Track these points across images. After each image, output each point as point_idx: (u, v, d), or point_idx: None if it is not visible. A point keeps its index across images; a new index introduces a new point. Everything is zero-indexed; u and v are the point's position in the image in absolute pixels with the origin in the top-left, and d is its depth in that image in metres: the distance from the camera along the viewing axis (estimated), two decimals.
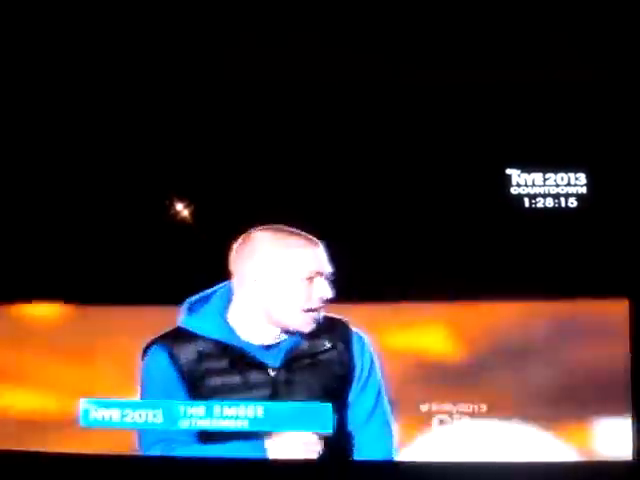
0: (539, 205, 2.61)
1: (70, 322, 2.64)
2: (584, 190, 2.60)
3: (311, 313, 2.39)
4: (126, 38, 2.72)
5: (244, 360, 2.38)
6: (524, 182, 2.62)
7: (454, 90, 2.64)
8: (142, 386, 2.44)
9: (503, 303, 2.55)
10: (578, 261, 2.56)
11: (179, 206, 2.67)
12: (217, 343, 2.39)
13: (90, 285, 2.65)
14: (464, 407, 2.53)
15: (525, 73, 2.64)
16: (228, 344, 2.39)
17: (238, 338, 2.40)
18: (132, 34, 2.72)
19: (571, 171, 2.61)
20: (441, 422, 2.54)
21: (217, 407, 2.41)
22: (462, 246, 2.59)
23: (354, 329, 2.44)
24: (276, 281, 2.39)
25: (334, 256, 2.42)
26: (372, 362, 2.44)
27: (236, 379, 2.39)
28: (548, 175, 2.61)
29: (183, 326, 2.42)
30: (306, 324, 2.40)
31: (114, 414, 2.47)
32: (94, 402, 2.49)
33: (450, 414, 2.54)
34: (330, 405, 2.39)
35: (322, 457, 2.39)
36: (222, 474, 2.44)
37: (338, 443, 2.40)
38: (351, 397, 2.41)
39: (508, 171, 2.62)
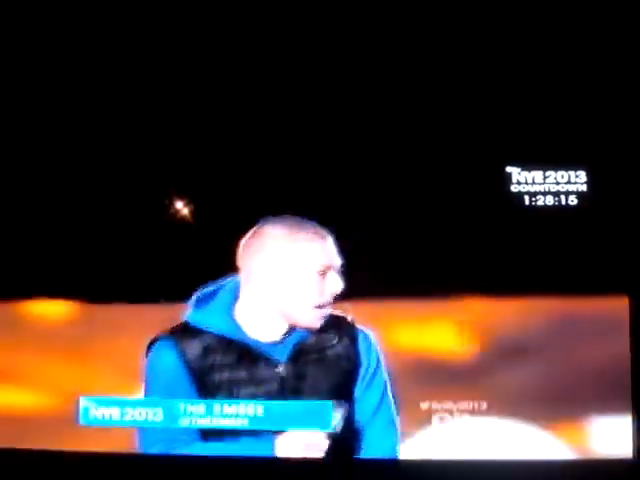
0: (539, 203, 2.61)
1: (70, 319, 2.63)
2: (584, 188, 2.60)
3: (322, 309, 2.39)
4: (125, 35, 2.71)
5: (251, 355, 2.37)
6: (524, 180, 2.61)
7: (454, 88, 2.64)
8: (147, 381, 2.42)
9: (503, 301, 2.54)
10: (578, 259, 2.56)
11: (180, 204, 2.67)
12: (223, 338, 2.38)
13: (90, 282, 2.65)
14: (464, 405, 2.53)
15: (525, 70, 2.64)
16: (234, 339, 2.38)
17: (244, 334, 2.39)
18: (131, 31, 2.71)
19: (571, 169, 2.60)
20: (441, 420, 2.54)
21: (217, 405, 2.40)
22: (462, 244, 2.59)
23: (360, 327, 2.44)
24: (288, 276, 2.37)
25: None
26: (378, 360, 2.44)
27: (243, 374, 2.38)
28: (548, 173, 2.61)
29: (190, 321, 2.41)
30: (317, 320, 2.39)
31: (114, 412, 2.47)
32: (94, 400, 2.49)
33: (450, 412, 2.54)
34: (331, 404, 2.39)
35: (327, 456, 2.38)
36: (225, 473, 2.44)
37: (344, 440, 2.40)
38: (357, 393, 2.41)
39: (508, 169, 2.62)
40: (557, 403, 2.51)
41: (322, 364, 2.40)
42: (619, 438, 2.50)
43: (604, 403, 2.50)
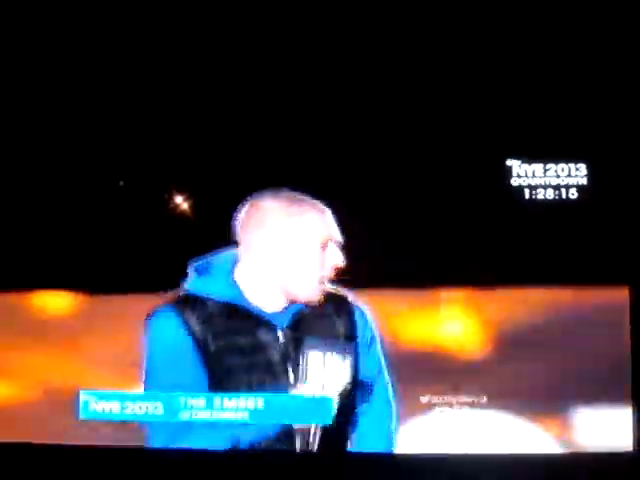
0: (540, 196, 2.62)
1: (69, 311, 2.63)
2: (584, 181, 2.62)
3: (322, 283, 2.38)
4: (124, 33, 2.73)
5: (253, 321, 2.36)
6: (525, 173, 2.63)
7: (455, 82, 2.65)
8: (150, 356, 2.39)
9: (504, 293, 2.55)
10: (579, 250, 2.57)
11: (179, 197, 2.67)
12: (226, 305, 2.36)
13: (90, 274, 2.65)
14: (464, 398, 2.53)
15: (525, 65, 2.65)
16: (237, 305, 2.37)
17: (246, 300, 2.37)
18: (130, 29, 2.73)
19: (571, 162, 2.62)
20: (441, 413, 2.54)
21: (217, 399, 2.40)
22: (462, 237, 2.60)
23: (357, 304, 2.44)
24: (290, 250, 2.36)
25: None
26: (373, 336, 2.44)
27: (246, 339, 2.36)
28: (549, 166, 2.63)
29: (191, 289, 2.40)
30: (316, 294, 2.38)
31: (114, 406, 2.46)
32: (94, 394, 2.48)
33: (450, 405, 2.54)
34: (331, 399, 2.38)
35: (321, 446, 2.38)
36: (221, 466, 2.44)
37: (338, 426, 2.39)
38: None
39: (509, 162, 2.63)
40: (557, 395, 2.52)
41: (322, 330, 2.39)
42: (620, 430, 2.51)
43: (604, 395, 2.51)
